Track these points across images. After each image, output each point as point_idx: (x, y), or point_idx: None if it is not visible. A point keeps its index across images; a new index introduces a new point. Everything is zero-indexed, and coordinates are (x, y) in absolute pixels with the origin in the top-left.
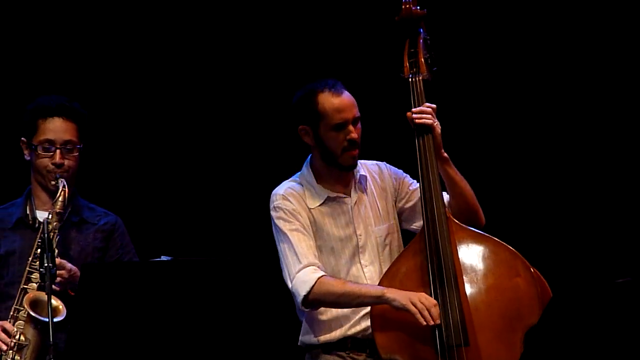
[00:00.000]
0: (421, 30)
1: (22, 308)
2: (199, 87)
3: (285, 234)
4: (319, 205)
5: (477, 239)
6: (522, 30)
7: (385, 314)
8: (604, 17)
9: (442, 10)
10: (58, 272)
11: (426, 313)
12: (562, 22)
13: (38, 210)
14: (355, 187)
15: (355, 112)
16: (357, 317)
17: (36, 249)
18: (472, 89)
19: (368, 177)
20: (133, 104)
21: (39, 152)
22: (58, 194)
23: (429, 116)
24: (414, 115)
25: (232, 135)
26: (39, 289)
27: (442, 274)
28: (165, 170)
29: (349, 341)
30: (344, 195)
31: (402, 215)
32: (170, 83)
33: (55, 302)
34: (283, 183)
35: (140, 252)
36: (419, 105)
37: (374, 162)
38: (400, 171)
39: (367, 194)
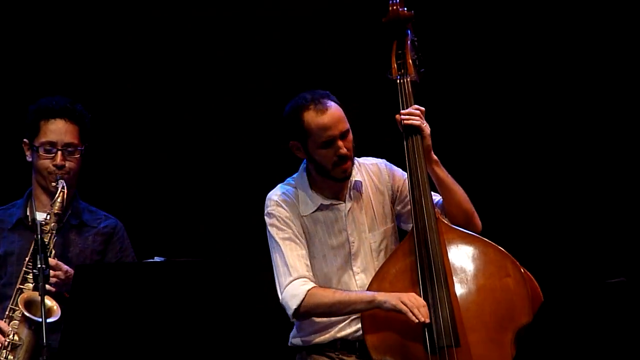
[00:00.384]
0: (409, 32)
1: (17, 308)
2: (196, 90)
3: (277, 242)
4: (312, 212)
5: (466, 240)
6: (511, 31)
7: (376, 316)
8: (598, 15)
9: (430, 11)
10: (54, 273)
11: (416, 311)
12: (552, 23)
13: (38, 211)
14: (349, 193)
15: (342, 126)
16: (347, 319)
17: (33, 250)
18: (460, 91)
19: (364, 181)
20: (133, 104)
21: (41, 153)
22: (57, 195)
23: (418, 118)
24: (403, 117)
25: (228, 137)
26: (34, 289)
27: (432, 275)
28: (161, 171)
29: (339, 342)
30: (338, 202)
31: (402, 217)
32: (170, 84)
33: (50, 302)
34: (278, 187)
35: (138, 252)
36: (407, 107)
37: (374, 160)
38: (401, 171)
39: (362, 199)
